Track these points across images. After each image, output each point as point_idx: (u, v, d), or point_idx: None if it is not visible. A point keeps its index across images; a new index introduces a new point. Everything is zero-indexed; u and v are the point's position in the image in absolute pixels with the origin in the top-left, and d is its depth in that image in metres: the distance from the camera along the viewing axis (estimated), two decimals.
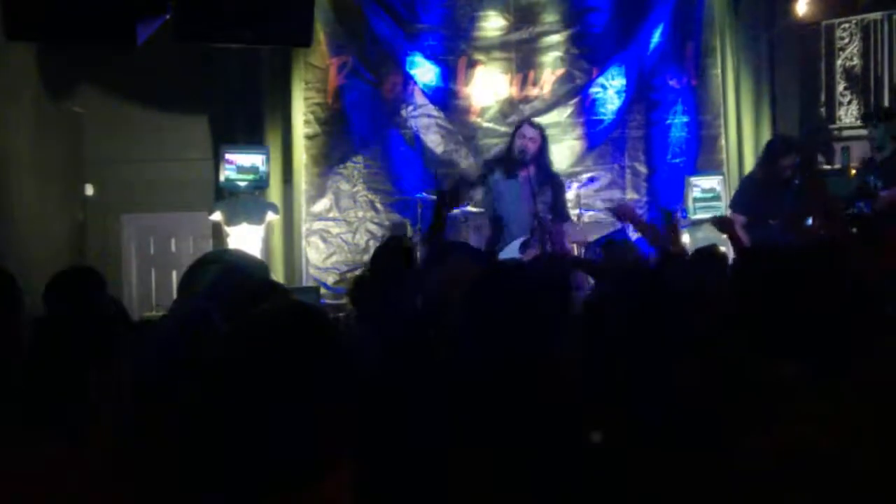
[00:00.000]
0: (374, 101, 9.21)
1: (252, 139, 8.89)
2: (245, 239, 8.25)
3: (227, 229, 8.39)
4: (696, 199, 8.79)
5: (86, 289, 3.66)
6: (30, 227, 7.70)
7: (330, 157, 9.17)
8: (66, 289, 3.64)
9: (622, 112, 9.29)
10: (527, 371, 1.96)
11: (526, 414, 1.91)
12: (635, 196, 9.28)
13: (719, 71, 9.30)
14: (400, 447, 2.03)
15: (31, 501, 1.92)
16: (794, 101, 9.29)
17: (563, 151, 9.03)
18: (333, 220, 9.19)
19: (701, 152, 9.34)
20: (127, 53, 7.35)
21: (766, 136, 8.80)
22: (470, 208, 8.05)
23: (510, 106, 9.24)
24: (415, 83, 9.20)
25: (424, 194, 8.60)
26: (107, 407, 2.09)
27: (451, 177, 8.92)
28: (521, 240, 6.27)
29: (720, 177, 8.98)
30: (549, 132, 7.09)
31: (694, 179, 8.90)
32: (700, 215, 8.65)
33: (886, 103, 8.59)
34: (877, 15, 8.80)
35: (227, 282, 3.01)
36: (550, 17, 9.27)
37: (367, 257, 8.82)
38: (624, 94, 9.27)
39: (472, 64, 9.25)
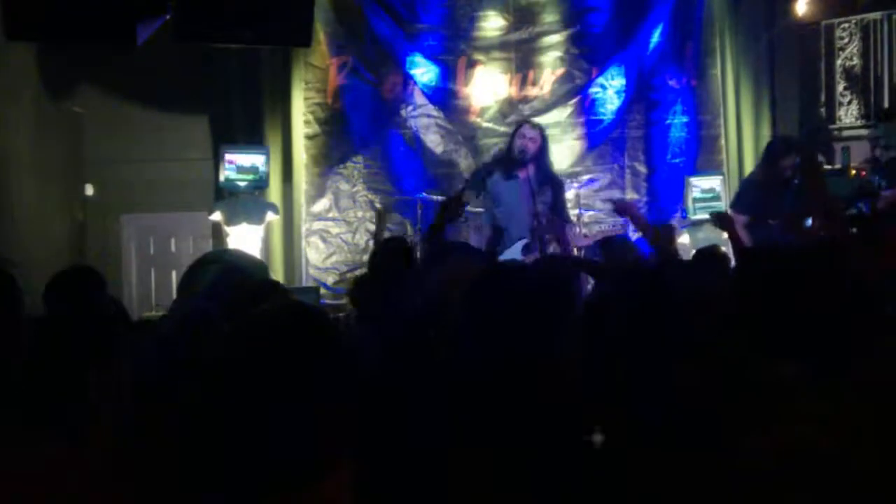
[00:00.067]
0: (374, 101, 9.21)
1: (252, 139, 8.89)
2: (245, 239, 8.25)
3: (227, 229, 8.39)
4: (695, 200, 8.79)
5: (86, 289, 3.66)
6: (30, 227, 7.70)
7: (330, 157, 9.16)
8: (66, 289, 3.64)
9: (622, 112, 9.29)
10: (527, 371, 1.96)
11: (526, 414, 1.91)
12: (635, 196, 9.27)
13: (719, 71, 9.30)
14: (400, 447, 2.03)
15: (31, 501, 1.92)
16: (794, 101, 9.28)
17: (563, 151, 9.02)
18: (333, 220, 9.19)
19: (701, 152, 9.33)
20: (127, 53, 7.35)
21: (766, 136, 8.80)
22: (470, 208, 8.05)
23: (510, 106, 9.23)
24: (415, 83, 9.20)
25: (424, 194, 8.60)
26: (107, 407, 2.09)
27: (454, 180, 8.94)
28: (523, 242, 6.26)
29: (720, 177, 8.97)
30: (549, 132, 7.09)
31: (694, 179, 8.90)
32: (700, 215, 8.65)
33: (887, 103, 8.59)
34: (876, 15, 8.80)
35: (226, 282, 3.02)
36: (550, 17, 9.27)
37: (366, 257, 8.81)
38: (623, 94, 9.27)
39: (471, 64, 9.25)
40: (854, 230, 4.39)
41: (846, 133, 8.93)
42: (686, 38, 9.28)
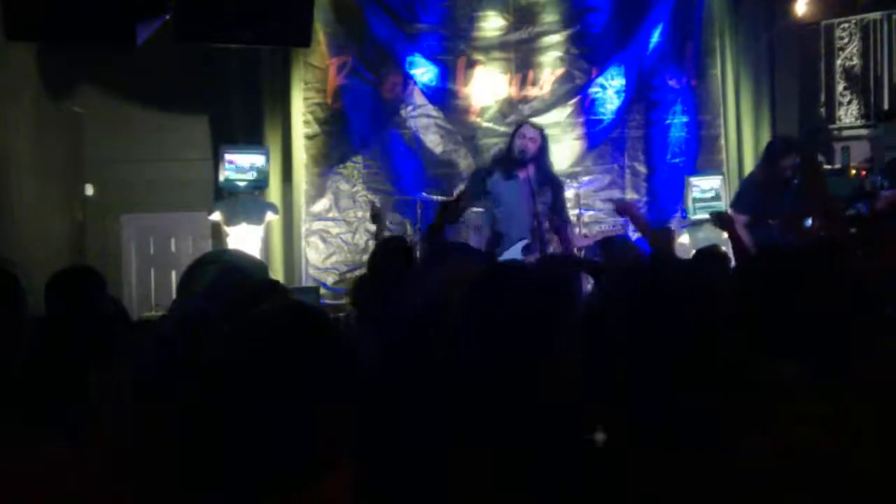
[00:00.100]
0: (374, 101, 9.21)
1: (252, 139, 8.89)
2: (244, 239, 8.26)
3: (227, 229, 8.39)
4: (695, 200, 8.79)
5: (85, 288, 3.66)
6: (30, 227, 7.70)
7: (329, 157, 9.17)
8: (65, 289, 3.64)
9: (622, 112, 9.30)
10: (527, 371, 1.96)
11: (526, 414, 1.91)
12: (635, 196, 9.28)
13: (719, 71, 9.30)
14: (400, 447, 2.03)
15: (31, 501, 1.92)
16: (794, 100, 9.29)
17: (563, 151, 9.03)
18: (333, 220, 9.19)
19: (700, 152, 9.34)
20: (127, 53, 7.35)
21: (766, 136, 8.81)
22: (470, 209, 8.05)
23: (509, 106, 9.24)
24: (414, 83, 9.20)
25: (424, 194, 8.60)
26: (107, 407, 2.09)
27: (453, 180, 8.95)
28: (523, 242, 6.26)
29: (720, 177, 8.98)
30: (549, 132, 7.09)
31: (693, 179, 8.90)
32: (700, 215, 8.65)
33: (887, 103, 8.60)
34: (876, 15, 8.80)
35: (226, 282, 3.02)
36: (550, 17, 9.27)
37: (366, 257, 8.81)
38: (623, 94, 9.28)
39: (471, 64, 9.26)
40: (853, 230, 4.38)
41: (846, 133, 8.94)
42: (686, 38, 9.29)
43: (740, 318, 2.07)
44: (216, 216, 8.49)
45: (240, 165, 8.45)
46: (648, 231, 4.88)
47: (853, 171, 7.40)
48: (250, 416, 1.66)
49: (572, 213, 8.09)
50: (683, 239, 8.64)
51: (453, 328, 2.26)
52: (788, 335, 2.00)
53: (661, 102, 9.33)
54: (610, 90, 9.29)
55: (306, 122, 9.10)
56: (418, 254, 6.18)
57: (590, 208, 9.06)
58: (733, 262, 4.38)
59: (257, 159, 8.53)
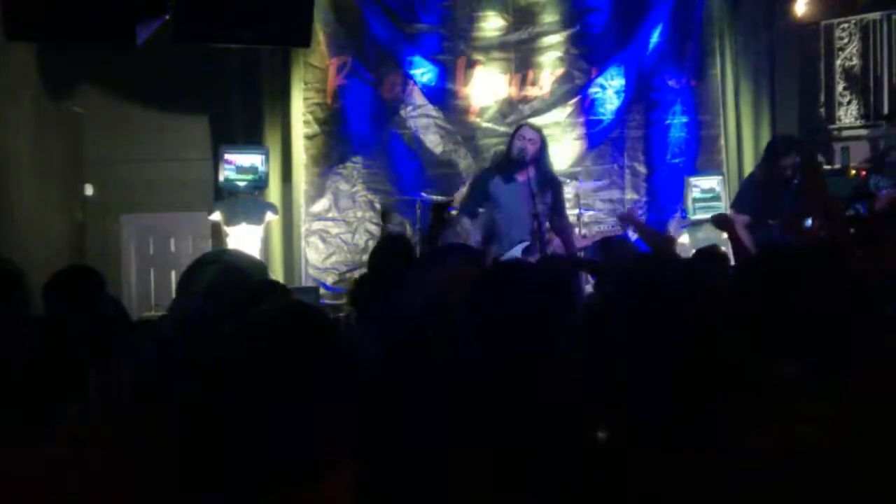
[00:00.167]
0: (374, 101, 9.21)
1: (251, 139, 8.89)
2: (244, 239, 8.25)
3: (227, 229, 8.39)
4: (695, 200, 8.79)
5: (85, 288, 3.66)
6: (30, 227, 7.70)
7: (329, 157, 9.17)
8: (65, 288, 3.64)
9: (621, 112, 9.30)
10: (527, 371, 1.96)
11: (526, 414, 1.91)
12: (635, 196, 9.29)
13: (718, 71, 9.31)
14: (400, 447, 2.03)
15: (31, 501, 1.92)
16: (794, 101, 9.29)
17: (563, 151, 9.04)
18: (333, 220, 9.19)
19: (700, 152, 9.35)
20: (127, 53, 7.35)
21: (766, 136, 8.81)
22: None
23: (509, 106, 9.24)
24: (414, 83, 9.20)
25: (424, 194, 8.61)
26: (107, 407, 2.09)
27: (453, 180, 8.95)
28: (524, 244, 6.26)
29: (720, 177, 8.98)
30: (549, 132, 7.08)
31: (693, 180, 8.90)
32: (700, 215, 8.65)
33: (886, 103, 8.60)
34: (876, 15, 8.80)
35: (225, 282, 3.01)
36: (549, 18, 9.28)
37: (366, 257, 8.81)
38: (623, 95, 9.28)
39: (471, 64, 9.26)
40: (852, 231, 4.39)
41: (846, 133, 8.94)
42: (686, 39, 9.29)
43: (740, 318, 2.07)
44: (216, 216, 8.49)
45: (239, 165, 8.45)
46: (655, 237, 4.88)
47: (853, 172, 7.40)
48: (250, 416, 1.66)
49: (572, 213, 8.09)
50: (683, 239, 8.64)
51: (453, 328, 2.27)
52: (788, 335, 2.00)
53: (660, 102, 9.34)
54: (610, 90, 9.29)
55: (306, 123, 9.10)
56: (418, 254, 6.18)
57: (590, 208, 9.06)
58: (733, 263, 4.38)
59: (257, 159, 8.53)
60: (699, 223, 8.62)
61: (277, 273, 8.61)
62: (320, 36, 8.92)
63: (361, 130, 9.19)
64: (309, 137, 9.12)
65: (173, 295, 3.49)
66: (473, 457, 1.89)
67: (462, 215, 6.55)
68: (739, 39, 9.26)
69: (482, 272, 2.24)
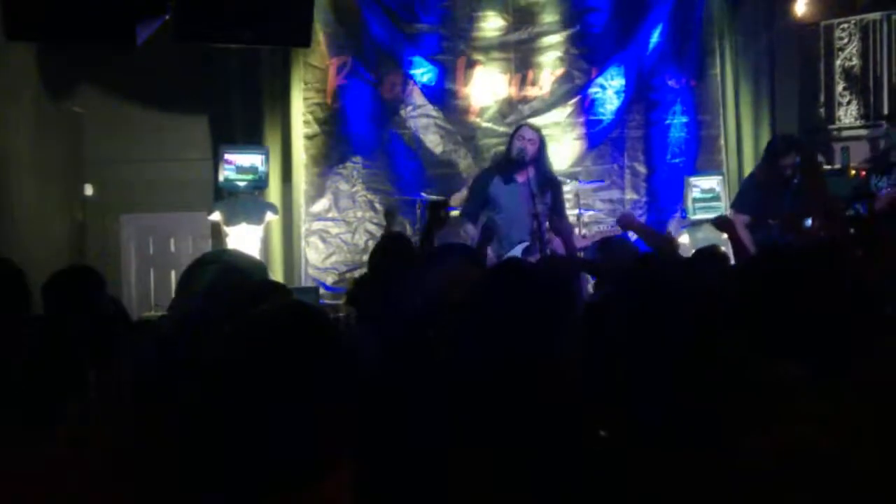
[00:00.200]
0: (374, 101, 9.21)
1: (251, 139, 8.88)
2: (244, 239, 8.25)
3: (227, 229, 8.38)
4: (695, 200, 8.78)
5: (85, 288, 3.66)
6: (30, 227, 7.70)
7: (329, 157, 9.16)
8: (65, 288, 3.64)
9: (621, 112, 9.29)
10: (527, 371, 1.96)
11: (526, 414, 1.91)
12: (634, 196, 9.28)
13: (718, 71, 9.30)
14: (400, 447, 2.03)
15: (31, 501, 1.92)
16: (794, 101, 9.29)
17: (563, 151, 9.04)
18: (332, 220, 9.19)
19: (700, 152, 9.34)
20: (127, 53, 7.35)
21: (766, 136, 8.80)
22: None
23: (509, 106, 9.24)
24: (414, 83, 9.20)
25: (423, 194, 8.61)
26: (107, 407, 2.09)
27: (453, 180, 8.95)
28: (524, 244, 6.26)
29: (719, 177, 8.97)
30: (549, 132, 7.07)
31: (693, 180, 8.90)
32: (700, 215, 8.65)
33: (886, 103, 8.60)
34: (876, 15, 8.80)
35: (225, 282, 3.01)
36: (549, 18, 9.27)
37: (366, 257, 8.80)
38: (623, 94, 9.27)
39: (470, 64, 9.25)
40: (852, 231, 4.39)
41: (845, 133, 8.94)
42: (686, 39, 9.29)
43: (740, 318, 2.07)
44: (216, 216, 8.48)
45: (239, 165, 8.44)
46: (654, 238, 4.88)
47: (853, 172, 7.41)
48: (250, 416, 1.66)
49: (572, 213, 8.09)
50: (683, 239, 8.64)
51: (453, 328, 2.27)
52: (788, 335, 2.00)
53: (660, 103, 9.33)
54: (610, 90, 9.29)
55: (306, 123, 9.10)
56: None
57: (589, 208, 9.06)
58: (733, 263, 4.38)
59: (257, 159, 8.52)
60: (699, 223, 8.62)
61: (277, 273, 8.61)
62: (320, 36, 8.92)
63: (361, 130, 9.19)
64: (309, 137, 9.11)
65: (173, 295, 3.49)
66: (473, 457, 1.89)
67: (465, 220, 6.54)
68: (739, 39, 9.26)
69: (483, 272, 2.24)
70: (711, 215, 8.37)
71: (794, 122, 9.15)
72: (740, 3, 9.25)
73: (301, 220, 9.07)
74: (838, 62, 9.02)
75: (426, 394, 2.16)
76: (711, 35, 9.29)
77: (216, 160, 8.61)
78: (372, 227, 9.13)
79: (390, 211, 7.78)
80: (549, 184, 6.48)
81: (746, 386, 1.91)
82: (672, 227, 9.13)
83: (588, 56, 9.26)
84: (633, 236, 6.08)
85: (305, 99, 9.08)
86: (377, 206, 9.12)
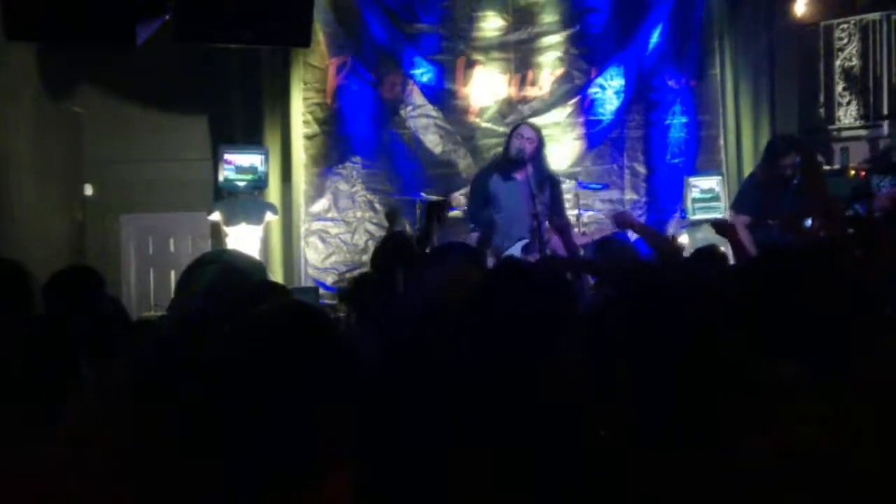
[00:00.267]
0: (373, 101, 9.21)
1: (251, 139, 8.89)
2: (244, 239, 8.25)
3: (226, 229, 8.39)
4: (695, 200, 8.79)
5: (85, 288, 3.66)
6: (29, 227, 7.70)
7: (329, 157, 9.16)
8: (65, 288, 3.64)
9: (621, 112, 9.29)
10: (527, 371, 1.96)
11: (526, 414, 1.91)
12: (634, 196, 9.28)
13: (718, 71, 9.30)
14: (400, 447, 2.03)
15: (31, 501, 1.91)
16: (793, 101, 9.29)
17: (562, 151, 9.04)
18: (332, 220, 9.19)
19: (700, 153, 9.34)
20: (127, 53, 7.35)
21: (765, 136, 8.80)
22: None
23: (509, 106, 9.24)
24: (414, 83, 9.20)
25: (423, 194, 8.61)
26: (107, 407, 2.09)
27: (453, 180, 8.95)
28: (523, 242, 6.26)
29: (719, 177, 8.97)
30: (548, 132, 7.07)
31: (693, 180, 8.90)
32: (699, 216, 8.65)
33: (886, 104, 8.60)
34: (875, 15, 8.80)
35: (225, 282, 3.01)
36: (549, 18, 9.27)
37: (365, 257, 8.82)
38: (623, 95, 9.28)
39: (470, 64, 9.26)
40: (851, 231, 4.39)
41: (845, 134, 8.94)
42: (685, 39, 9.29)
43: (740, 318, 2.07)
44: (215, 216, 8.49)
45: (239, 165, 8.45)
46: (654, 237, 4.87)
47: (852, 172, 7.41)
48: (250, 416, 1.66)
49: (572, 213, 8.09)
50: (683, 239, 8.64)
51: (453, 328, 2.27)
52: (788, 335, 2.00)
53: (660, 103, 9.33)
54: (609, 90, 9.29)
55: (306, 123, 9.10)
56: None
57: (589, 209, 9.06)
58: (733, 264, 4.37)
59: (256, 159, 8.53)
60: (698, 223, 8.62)
61: (277, 273, 8.61)
62: (320, 36, 8.92)
63: (361, 130, 9.19)
64: (308, 137, 9.11)
65: (173, 295, 3.49)
66: (473, 457, 1.89)
67: (472, 228, 6.52)
68: (739, 39, 9.25)
69: (486, 273, 2.24)
70: (711, 216, 8.40)
71: (794, 123, 9.15)
72: (740, 3, 9.25)
73: (301, 220, 9.07)
74: (838, 62, 9.01)
75: (426, 394, 2.16)
76: (711, 35, 9.28)
77: (216, 160, 8.61)
78: (371, 228, 9.14)
79: (392, 212, 7.78)
80: (547, 181, 6.49)
81: (746, 386, 1.91)
82: (671, 227, 9.14)
83: (588, 56, 9.26)
84: (632, 236, 6.08)
85: (305, 99, 9.08)
86: (377, 206, 9.13)
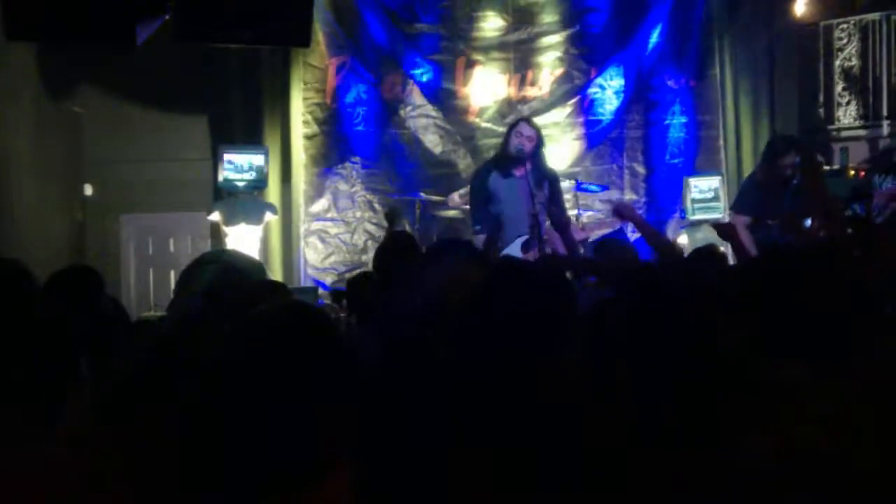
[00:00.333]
0: (373, 101, 9.21)
1: (251, 139, 8.89)
2: (243, 239, 8.26)
3: (226, 229, 8.39)
4: (694, 200, 8.79)
5: (85, 288, 3.66)
6: (29, 227, 7.70)
7: (328, 157, 9.17)
8: (65, 288, 3.64)
9: (621, 112, 9.30)
10: (527, 371, 1.96)
11: (526, 414, 1.91)
12: (634, 196, 9.29)
13: (718, 71, 9.31)
14: (400, 447, 2.03)
15: (31, 501, 1.91)
16: (793, 101, 9.29)
17: (562, 152, 9.05)
18: (332, 220, 9.20)
19: (699, 153, 9.35)
20: (127, 53, 7.36)
21: (765, 136, 8.81)
22: (467, 207, 8.06)
23: (508, 106, 9.25)
24: (413, 83, 9.20)
25: (422, 194, 8.61)
26: (106, 407, 2.09)
27: (452, 180, 8.95)
28: (522, 239, 6.26)
29: (719, 177, 8.97)
30: (548, 132, 7.07)
31: (692, 180, 8.90)
32: (698, 216, 8.65)
33: (885, 104, 8.61)
34: (875, 15, 8.81)
35: (224, 282, 3.01)
36: (549, 18, 9.28)
37: (365, 258, 8.83)
38: (622, 95, 9.28)
39: (470, 64, 9.26)
40: (850, 231, 4.39)
41: (844, 134, 8.95)
42: (685, 39, 9.29)
43: (740, 318, 2.07)
44: (215, 216, 8.49)
45: (239, 165, 8.45)
46: (650, 231, 4.87)
47: (852, 172, 7.41)
48: (250, 416, 1.65)
49: (571, 213, 8.08)
50: (682, 239, 8.64)
51: (453, 328, 2.26)
52: (788, 335, 2.00)
53: (659, 103, 9.34)
54: (609, 90, 9.30)
55: (305, 123, 9.10)
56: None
57: (588, 209, 9.06)
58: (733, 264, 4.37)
59: (256, 159, 8.53)
60: (698, 223, 8.62)
61: (276, 273, 8.61)
62: (320, 36, 8.92)
63: (360, 130, 9.19)
64: (308, 137, 9.12)
65: (172, 295, 3.50)
66: (473, 457, 1.89)
67: (477, 231, 6.51)
68: (739, 39, 9.26)
69: (487, 273, 2.24)
70: (710, 216, 8.41)
71: (794, 123, 9.15)
72: (740, 3, 9.25)
73: (300, 220, 9.08)
74: (838, 62, 9.02)
75: (426, 394, 2.16)
76: (711, 35, 9.29)
77: (216, 160, 8.62)
78: (371, 228, 9.14)
79: (392, 212, 7.79)
80: (546, 177, 6.50)
81: (746, 386, 1.91)
82: (671, 227, 9.14)
83: (587, 56, 9.27)
84: (632, 236, 6.08)
85: (305, 99, 9.09)
86: (376, 206, 9.13)
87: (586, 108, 9.29)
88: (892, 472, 1.80)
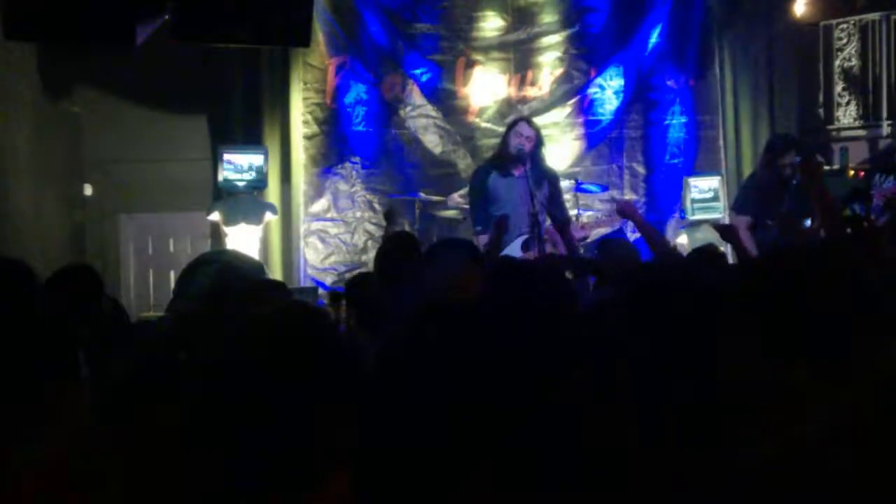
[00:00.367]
0: (373, 101, 9.21)
1: (250, 139, 8.89)
2: (243, 239, 8.25)
3: (226, 229, 8.39)
4: (694, 200, 8.79)
5: (84, 288, 3.66)
6: (29, 227, 7.70)
7: (328, 157, 9.17)
8: (65, 288, 3.64)
9: (620, 112, 9.31)
10: (527, 371, 1.96)
11: (526, 414, 1.91)
12: (633, 196, 9.29)
13: (717, 71, 9.31)
14: (400, 447, 2.03)
15: (31, 501, 1.91)
16: (793, 101, 9.30)
17: (562, 152, 9.05)
18: (332, 220, 9.19)
19: (699, 153, 9.35)
20: (127, 53, 7.36)
21: (765, 136, 8.81)
22: (467, 206, 8.06)
23: (508, 106, 9.25)
24: (413, 83, 9.20)
25: (422, 194, 8.61)
26: (106, 407, 2.09)
27: (452, 180, 8.95)
28: (521, 238, 6.26)
29: (718, 177, 8.98)
30: (548, 132, 7.07)
31: (692, 180, 8.90)
32: (698, 216, 8.66)
33: (885, 104, 8.61)
34: (875, 15, 8.82)
35: (224, 282, 3.02)
36: (548, 18, 9.28)
37: (365, 258, 8.83)
38: (622, 95, 9.29)
39: (470, 64, 9.26)
40: (849, 231, 4.39)
41: (844, 134, 8.95)
42: (685, 39, 9.30)
43: (741, 318, 2.07)
44: (215, 216, 8.49)
45: (238, 165, 8.45)
46: (651, 232, 4.87)
47: (851, 172, 7.41)
48: (250, 416, 1.66)
49: (571, 213, 8.08)
50: (682, 239, 8.64)
51: (453, 328, 2.26)
52: (789, 335, 2.00)
53: (659, 103, 9.34)
54: (609, 90, 9.30)
55: (305, 122, 9.10)
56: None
57: (588, 209, 9.06)
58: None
59: (256, 159, 8.53)
60: (698, 223, 8.62)
61: (276, 273, 8.60)
62: (319, 36, 8.92)
63: (360, 130, 9.19)
64: (308, 137, 9.11)
65: (172, 295, 3.50)
66: (473, 457, 1.88)
67: (478, 232, 6.51)
68: (738, 39, 9.27)
69: (488, 273, 2.24)
70: (710, 216, 8.42)
71: (793, 123, 9.16)
72: (740, 2, 9.26)
73: (300, 220, 9.07)
74: (837, 62, 9.03)
75: (426, 394, 2.16)
76: (710, 35, 9.30)
77: (215, 160, 8.61)
78: (371, 228, 9.14)
79: (390, 211, 7.79)
80: (545, 177, 6.50)
81: (746, 386, 1.91)
82: (671, 227, 9.14)
83: (587, 56, 9.28)
84: (633, 236, 6.08)
85: (305, 99, 9.08)
86: (376, 206, 9.13)
87: (586, 108, 9.30)
88: (892, 473, 1.80)
